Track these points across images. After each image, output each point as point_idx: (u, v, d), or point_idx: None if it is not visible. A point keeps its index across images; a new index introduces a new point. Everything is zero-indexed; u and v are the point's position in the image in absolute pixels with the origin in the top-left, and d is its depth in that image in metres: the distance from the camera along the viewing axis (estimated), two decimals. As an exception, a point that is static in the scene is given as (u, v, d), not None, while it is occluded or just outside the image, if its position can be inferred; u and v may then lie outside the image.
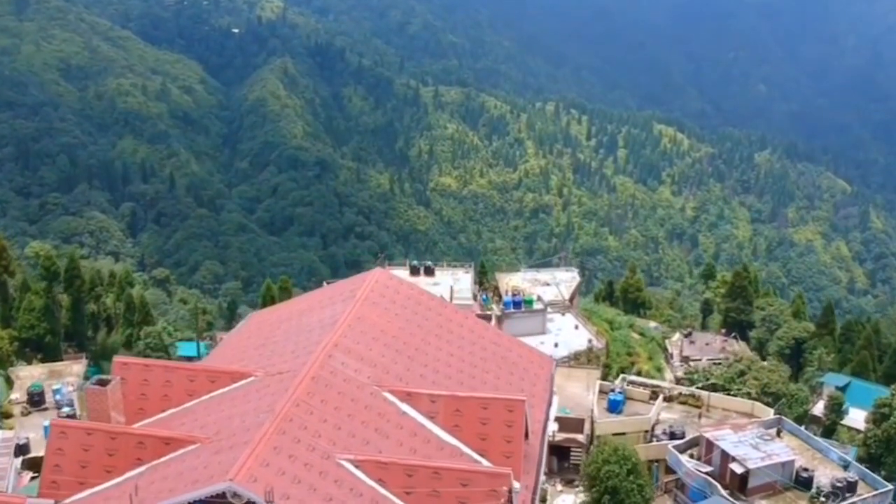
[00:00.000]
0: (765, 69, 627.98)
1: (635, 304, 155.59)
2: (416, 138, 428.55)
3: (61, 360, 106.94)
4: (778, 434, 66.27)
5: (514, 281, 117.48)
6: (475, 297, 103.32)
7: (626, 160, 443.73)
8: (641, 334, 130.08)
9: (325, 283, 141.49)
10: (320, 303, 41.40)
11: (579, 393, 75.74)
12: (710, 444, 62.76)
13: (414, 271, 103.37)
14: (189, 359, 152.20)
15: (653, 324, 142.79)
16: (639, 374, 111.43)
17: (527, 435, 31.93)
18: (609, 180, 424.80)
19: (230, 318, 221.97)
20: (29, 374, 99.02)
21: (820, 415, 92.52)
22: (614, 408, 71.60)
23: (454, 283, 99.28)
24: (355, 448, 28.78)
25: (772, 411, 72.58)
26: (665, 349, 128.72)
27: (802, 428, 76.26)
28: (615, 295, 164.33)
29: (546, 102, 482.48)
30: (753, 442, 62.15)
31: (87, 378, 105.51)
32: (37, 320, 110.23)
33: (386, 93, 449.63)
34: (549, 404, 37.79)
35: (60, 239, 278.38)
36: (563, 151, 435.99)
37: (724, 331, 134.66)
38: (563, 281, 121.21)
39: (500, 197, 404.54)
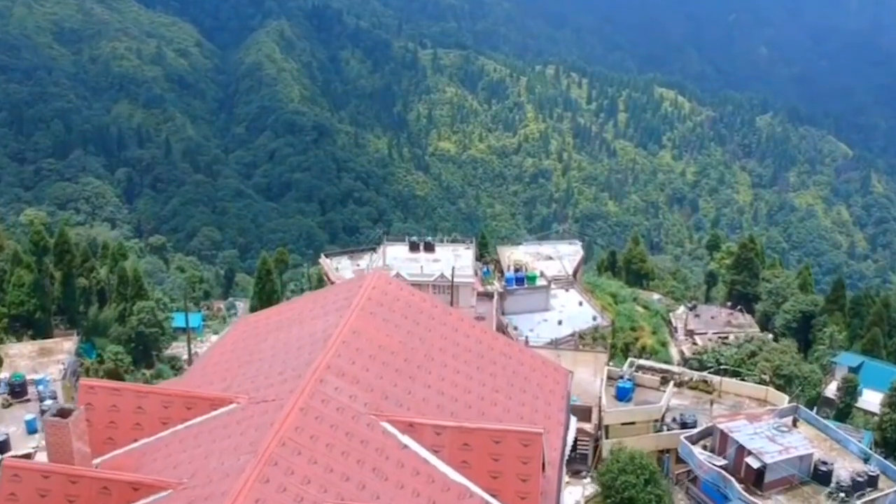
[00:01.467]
0: (766, 31, 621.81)
1: (638, 275, 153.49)
2: (414, 102, 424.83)
3: (52, 336, 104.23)
4: (794, 423, 63.57)
5: (516, 254, 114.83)
6: (476, 273, 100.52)
7: (626, 124, 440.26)
8: (645, 307, 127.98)
9: (322, 255, 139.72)
10: (312, 311, 37.33)
11: (587, 378, 73.11)
12: (724, 436, 60.15)
13: (413, 247, 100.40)
14: (184, 330, 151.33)
15: (656, 296, 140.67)
16: (643, 349, 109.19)
17: (543, 467, 28.80)
18: (609, 145, 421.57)
19: (227, 286, 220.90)
20: (19, 351, 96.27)
21: (833, 397, 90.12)
22: (623, 396, 68.82)
23: (455, 259, 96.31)
24: (349, 495, 25.40)
25: (786, 398, 69.98)
26: (669, 322, 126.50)
27: (815, 412, 73.95)
28: (618, 265, 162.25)
29: (546, 65, 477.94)
30: (770, 433, 59.52)
31: (78, 355, 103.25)
32: (27, 296, 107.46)
33: (384, 56, 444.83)
34: (567, 426, 34.42)
35: (56, 205, 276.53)
36: (563, 115, 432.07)
37: (729, 303, 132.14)
38: (566, 255, 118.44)
39: (500, 162, 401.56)
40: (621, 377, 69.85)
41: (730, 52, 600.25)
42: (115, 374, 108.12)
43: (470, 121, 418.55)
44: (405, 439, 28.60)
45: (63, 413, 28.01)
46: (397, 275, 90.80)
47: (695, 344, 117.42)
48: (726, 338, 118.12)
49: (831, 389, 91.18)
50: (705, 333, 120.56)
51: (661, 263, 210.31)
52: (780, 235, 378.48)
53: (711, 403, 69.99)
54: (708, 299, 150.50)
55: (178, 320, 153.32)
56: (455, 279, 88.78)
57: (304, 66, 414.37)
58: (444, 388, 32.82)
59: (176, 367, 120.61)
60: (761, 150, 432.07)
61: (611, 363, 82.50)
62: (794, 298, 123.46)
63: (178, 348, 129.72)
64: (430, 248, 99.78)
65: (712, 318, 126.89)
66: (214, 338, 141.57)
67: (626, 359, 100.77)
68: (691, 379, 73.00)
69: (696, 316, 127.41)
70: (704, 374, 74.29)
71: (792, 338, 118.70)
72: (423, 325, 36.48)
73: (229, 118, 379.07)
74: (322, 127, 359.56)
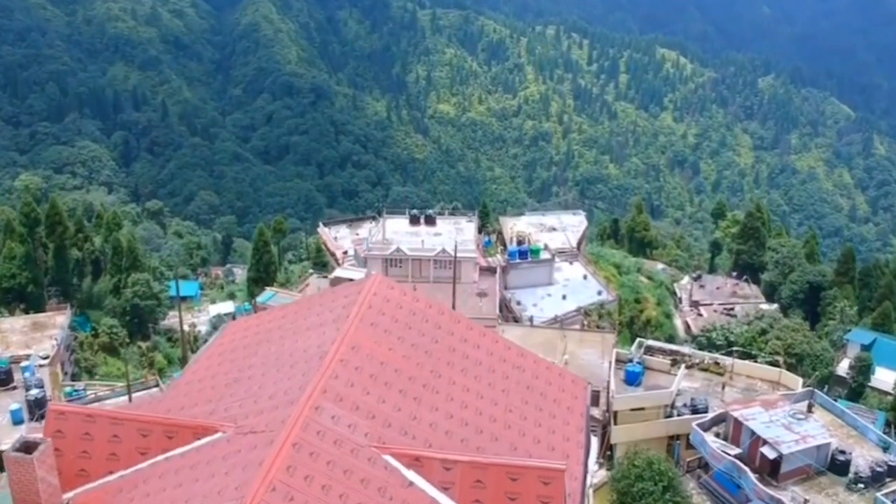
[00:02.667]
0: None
1: (641, 244, 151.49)
2: (413, 63, 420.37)
3: (45, 309, 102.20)
4: (809, 409, 61.46)
5: (518, 225, 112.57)
6: (478, 246, 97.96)
7: (627, 86, 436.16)
8: (649, 278, 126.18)
9: (321, 224, 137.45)
10: (307, 320, 34.35)
11: (594, 361, 70.93)
12: (738, 424, 57.92)
13: (414, 220, 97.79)
14: (183, 298, 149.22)
15: (660, 265, 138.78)
16: (647, 322, 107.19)
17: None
18: (610, 107, 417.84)
19: (225, 252, 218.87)
20: (11, 325, 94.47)
21: (845, 375, 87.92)
22: (633, 380, 66.24)
23: (457, 233, 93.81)
24: (348, 546, 22.82)
25: (800, 380, 67.78)
26: (674, 293, 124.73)
27: (827, 391, 71.90)
28: (620, 233, 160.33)
29: (546, 26, 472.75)
30: (786, 421, 57.31)
31: (72, 328, 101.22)
32: (18, 268, 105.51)
33: (382, 16, 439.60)
34: (588, 449, 31.83)
35: (52, 169, 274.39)
36: (563, 77, 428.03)
37: (734, 273, 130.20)
38: (570, 226, 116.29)
39: (499, 124, 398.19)
40: (630, 360, 67.36)
41: (732, 12, 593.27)
42: (110, 348, 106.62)
43: (469, 82, 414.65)
44: (411, 475, 25.70)
45: (28, 447, 25.01)
46: (398, 249, 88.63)
47: (700, 315, 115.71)
48: (732, 309, 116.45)
49: (843, 367, 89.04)
50: (711, 304, 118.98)
51: (664, 229, 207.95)
52: (781, 198, 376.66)
53: (723, 387, 67.73)
54: (712, 268, 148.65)
55: (175, 290, 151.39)
56: (458, 255, 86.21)
57: (302, 26, 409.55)
58: (452, 411, 29.93)
59: (172, 339, 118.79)
60: (763, 111, 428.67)
61: (618, 338, 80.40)
62: (800, 269, 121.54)
63: (175, 318, 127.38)
64: (431, 221, 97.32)
65: (717, 288, 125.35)
66: (212, 307, 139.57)
67: (631, 332, 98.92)
68: (702, 360, 70.74)
69: (701, 287, 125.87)
70: (716, 355, 71.96)
71: (799, 308, 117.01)
72: (429, 336, 33.42)
73: (226, 80, 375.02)
74: (320, 89, 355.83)
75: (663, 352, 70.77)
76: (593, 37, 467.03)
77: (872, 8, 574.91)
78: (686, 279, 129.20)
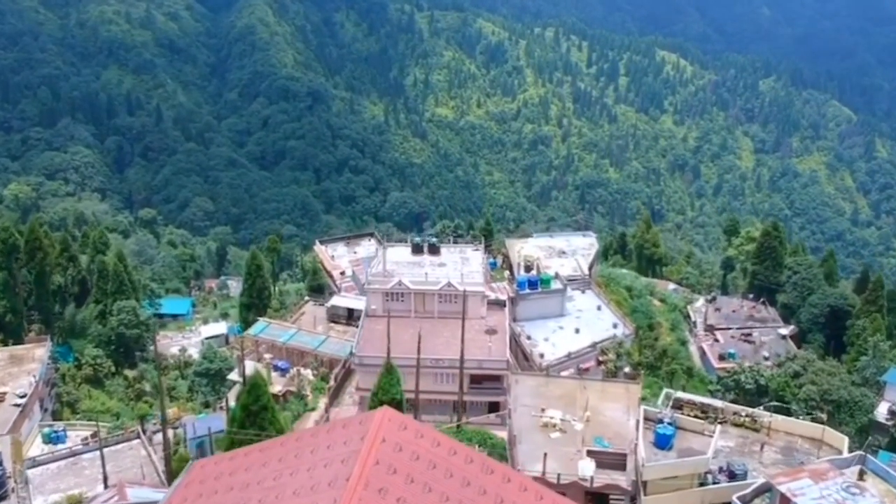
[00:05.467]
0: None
1: (651, 261, 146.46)
2: (411, 66, 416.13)
3: (24, 340, 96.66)
4: (861, 476, 55.61)
5: (526, 248, 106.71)
6: (485, 278, 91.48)
7: (627, 88, 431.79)
8: (662, 300, 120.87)
9: (317, 242, 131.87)
10: (294, 477, 26.65)
11: (618, 417, 64.84)
12: (785, 500, 52.14)
13: (416, 249, 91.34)
14: (175, 317, 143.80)
15: (672, 286, 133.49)
16: (663, 353, 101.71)
17: None
18: (610, 110, 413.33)
19: (220, 263, 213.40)
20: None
21: (884, 421, 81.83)
22: (663, 444, 59.20)
23: (462, 263, 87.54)
24: None
25: (846, 439, 61.78)
26: (687, 316, 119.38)
27: (866, 442, 66.19)
28: (628, 248, 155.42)
29: (545, 28, 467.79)
30: (839, 497, 51.15)
31: (54, 360, 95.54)
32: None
33: (379, 18, 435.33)
34: None
35: (44, 175, 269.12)
36: (562, 80, 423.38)
37: (751, 295, 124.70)
38: (580, 248, 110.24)
39: (498, 128, 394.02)
40: (660, 420, 60.74)
41: (731, 13, 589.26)
42: (94, 380, 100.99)
43: (468, 85, 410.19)
44: None
45: None
46: (399, 283, 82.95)
47: (717, 341, 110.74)
48: (749, 334, 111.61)
49: (881, 412, 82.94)
50: (727, 329, 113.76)
51: (669, 241, 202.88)
52: (782, 202, 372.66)
53: (762, 447, 61.62)
54: (724, 287, 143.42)
55: (169, 306, 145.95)
56: (465, 289, 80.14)
57: (298, 29, 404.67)
58: None
59: (160, 365, 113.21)
60: (764, 114, 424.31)
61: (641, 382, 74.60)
62: (820, 291, 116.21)
63: (164, 341, 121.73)
64: (434, 250, 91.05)
65: (733, 311, 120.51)
66: (203, 328, 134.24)
67: (646, 368, 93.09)
68: (736, 414, 64.60)
69: (717, 309, 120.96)
70: (752, 410, 65.73)
71: (819, 333, 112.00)
72: (455, 500, 25.76)
73: (221, 84, 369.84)
74: (316, 93, 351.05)
75: (693, 405, 64.54)
76: (592, 39, 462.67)
77: (873, 7, 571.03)
78: (700, 301, 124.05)
